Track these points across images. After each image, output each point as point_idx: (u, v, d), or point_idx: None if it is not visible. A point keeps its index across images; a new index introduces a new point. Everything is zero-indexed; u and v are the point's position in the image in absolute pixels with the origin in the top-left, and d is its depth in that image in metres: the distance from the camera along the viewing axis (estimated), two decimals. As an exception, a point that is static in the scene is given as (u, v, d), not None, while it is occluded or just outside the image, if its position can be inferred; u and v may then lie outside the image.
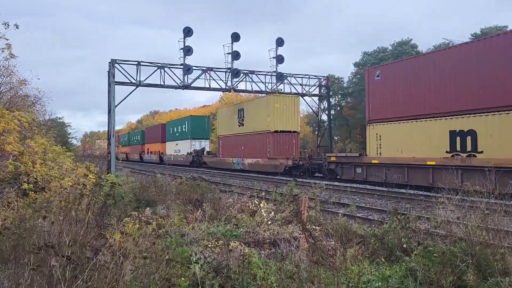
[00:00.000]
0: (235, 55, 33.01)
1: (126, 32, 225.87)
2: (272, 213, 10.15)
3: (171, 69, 31.66)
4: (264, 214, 10.00)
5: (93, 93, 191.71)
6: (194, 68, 31.90)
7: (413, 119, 20.24)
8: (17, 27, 11.93)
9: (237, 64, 33.50)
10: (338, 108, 58.41)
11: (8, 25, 11.51)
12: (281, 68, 35.07)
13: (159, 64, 31.41)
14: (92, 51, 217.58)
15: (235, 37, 32.93)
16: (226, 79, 33.35)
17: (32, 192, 7.68)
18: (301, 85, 36.03)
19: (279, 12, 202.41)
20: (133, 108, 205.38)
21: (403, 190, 18.41)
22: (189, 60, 31.71)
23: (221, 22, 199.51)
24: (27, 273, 3.68)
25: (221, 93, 73.78)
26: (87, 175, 8.56)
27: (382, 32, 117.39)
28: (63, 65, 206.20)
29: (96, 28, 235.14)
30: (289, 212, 9.89)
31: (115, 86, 30.33)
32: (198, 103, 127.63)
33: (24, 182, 7.79)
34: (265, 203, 10.94)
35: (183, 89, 32.95)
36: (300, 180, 24.87)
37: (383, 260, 6.16)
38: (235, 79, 33.45)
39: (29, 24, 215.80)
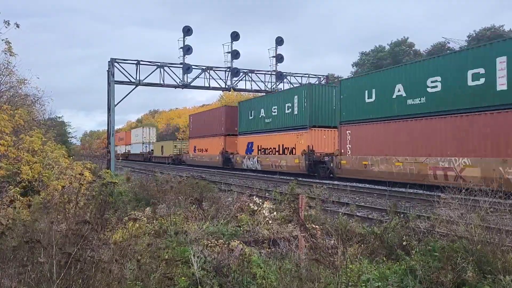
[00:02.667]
0: (235, 54, 32.96)
1: (128, 33, 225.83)
2: (274, 213, 10.10)
3: (171, 68, 31.63)
4: (266, 214, 9.95)
5: (95, 93, 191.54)
6: (193, 67, 31.85)
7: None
8: (17, 26, 11.86)
9: (236, 63, 33.55)
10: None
11: (8, 23, 11.43)
12: (281, 67, 35.12)
13: (159, 63, 31.36)
14: (96, 51, 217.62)
15: (235, 36, 32.88)
16: (226, 78, 33.34)
17: (30, 193, 7.64)
18: (301, 84, 36.00)
19: (279, 12, 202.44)
20: (133, 107, 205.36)
21: (403, 189, 18.39)
22: (189, 59, 31.75)
23: (221, 22, 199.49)
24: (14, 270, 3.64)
25: (221, 92, 73.82)
26: (82, 174, 8.49)
27: (382, 32, 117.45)
28: (67, 65, 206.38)
29: (100, 29, 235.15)
30: (288, 211, 9.86)
31: (115, 85, 30.31)
32: (199, 103, 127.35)
33: (19, 183, 7.74)
34: (268, 203, 10.88)
35: (182, 88, 32.92)
36: (301, 179, 24.69)
37: (383, 258, 6.14)
38: (234, 78, 33.42)
39: (35, 25, 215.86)
